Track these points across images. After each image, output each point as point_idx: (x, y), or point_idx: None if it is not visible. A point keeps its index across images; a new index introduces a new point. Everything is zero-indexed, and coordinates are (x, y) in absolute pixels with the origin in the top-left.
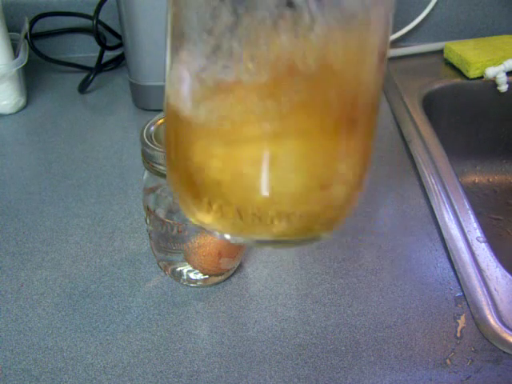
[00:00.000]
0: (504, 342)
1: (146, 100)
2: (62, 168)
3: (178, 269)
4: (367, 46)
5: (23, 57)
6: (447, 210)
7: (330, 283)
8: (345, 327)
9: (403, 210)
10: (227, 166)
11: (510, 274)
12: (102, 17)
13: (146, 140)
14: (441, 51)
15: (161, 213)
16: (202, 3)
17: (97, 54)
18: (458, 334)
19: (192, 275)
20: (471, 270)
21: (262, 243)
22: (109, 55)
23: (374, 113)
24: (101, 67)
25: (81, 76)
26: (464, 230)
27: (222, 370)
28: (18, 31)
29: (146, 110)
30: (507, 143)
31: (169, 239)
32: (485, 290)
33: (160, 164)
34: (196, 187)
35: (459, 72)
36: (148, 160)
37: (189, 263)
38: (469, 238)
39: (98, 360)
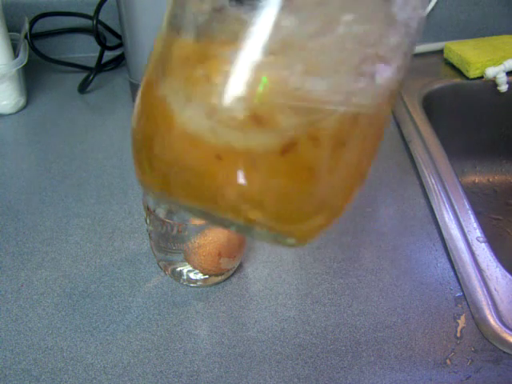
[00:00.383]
0: (504, 341)
1: None
2: (61, 168)
3: (178, 269)
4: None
5: (23, 57)
6: (447, 210)
7: (330, 283)
8: (345, 327)
9: (403, 210)
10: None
11: (510, 273)
12: (102, 17)
13: None
14: (441, 51)
15: (161, 213)
16: None
17: (97, 54)
18: (458, 334)
19: (192, 275)
20: (471, 270)
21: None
22: (109, 55)
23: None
24: (101, 67)
25: (81, 76)
26: (464, 230)
27: (222, 370)
28: (18, 31)
29: None
30: (507, 143)
31: (169, 239)
32: (485, 290)
33: None
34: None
35: (459, 72)
36: None
37: (189, 263)
38: (469, 238)
39: (98, 360)
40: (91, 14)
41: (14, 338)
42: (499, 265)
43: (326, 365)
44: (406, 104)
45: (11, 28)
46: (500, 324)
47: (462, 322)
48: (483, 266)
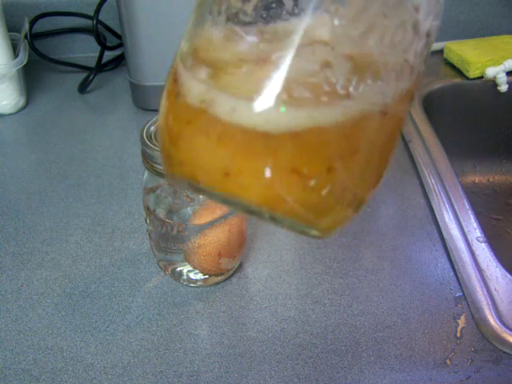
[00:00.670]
0: (504, 341)
1: (146, 100)
2: (61, 168)
3: (178, 269)
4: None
5: (23, 57)
6: (447, 210)
7: (330, 283)
8: (345, 327)
9: (403, 209)
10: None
11: (510, 273)
12: (101, 17)
13: (146, 140)
14: (441, 51)
15: (161, 213)
16: None
17: (97, 54)
18: (458, 334)
19: (192, 275)
20: (471, 270)
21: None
22: (109, 55)
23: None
24: (101, 67)
25: (81, 76)
26: (464, 230)
27: (222, 370)
28: (18, 31)
29: (146, 110)
30: (507, 143)
31: (169, 239)
32: (485, 290)
33: (160, 164)
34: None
35: (459, 72)
36: (148, 160)
37: (189, 263)
38: (469, 238)
39: (98, 360)
40: (91, 14)
41: (14, 338)
42: (499, 265)
43: (325, 365)
44: None
45: (11, 28)
46: (500, 324)
47: (461, 322)
48: (483, 266)
